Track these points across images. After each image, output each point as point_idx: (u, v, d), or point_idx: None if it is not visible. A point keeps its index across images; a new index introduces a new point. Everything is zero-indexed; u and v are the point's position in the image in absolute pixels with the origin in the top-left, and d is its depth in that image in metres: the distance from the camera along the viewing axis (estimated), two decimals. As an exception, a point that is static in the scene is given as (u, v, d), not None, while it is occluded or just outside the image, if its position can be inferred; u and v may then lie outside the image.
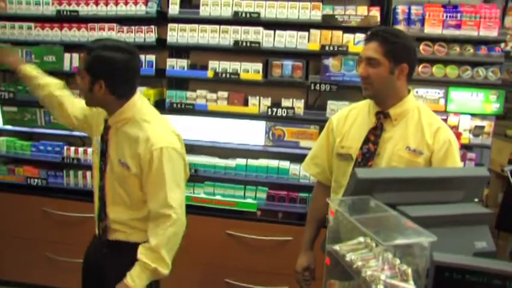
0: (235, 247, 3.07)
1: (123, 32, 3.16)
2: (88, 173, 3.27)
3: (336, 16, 2.91)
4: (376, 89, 1.78)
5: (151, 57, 3.15)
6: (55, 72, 3.28)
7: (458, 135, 2.76)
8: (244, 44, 2.99)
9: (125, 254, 1.82)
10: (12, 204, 3.35)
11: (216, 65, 3.07)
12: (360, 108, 1.95)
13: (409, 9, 2.85)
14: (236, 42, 3.00)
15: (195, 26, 3.04)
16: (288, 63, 3.00)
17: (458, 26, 2.81)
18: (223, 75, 3.05)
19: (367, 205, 1.25)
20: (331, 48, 2.92)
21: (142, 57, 3.06)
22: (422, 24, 2.83)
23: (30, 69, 2.09)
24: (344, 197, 1.43)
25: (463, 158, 2.81)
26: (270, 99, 3.06)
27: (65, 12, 3.20)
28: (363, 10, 2.90)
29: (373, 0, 3.03)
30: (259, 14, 2.96)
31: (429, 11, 2.82)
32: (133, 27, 3.14)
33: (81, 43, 3.19)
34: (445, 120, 2.79)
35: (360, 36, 2.87)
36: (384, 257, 1.05)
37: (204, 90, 3.14)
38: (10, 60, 2.13)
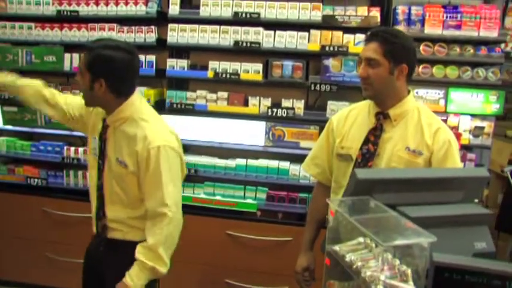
0: (235, 247, 3.07)
1: (123, 32, 3.16)
2: (88, 173, 3.27)
3: (336, 16, 2.91)
4: (376, 90, 1.78)
5: (152, 58, 3.15)
6: (55, 72, 3.33)
7: (458, 136, 2.76)
8: (244, 44, 2.99)
9: (122, 253, 1.84)
10: (12, 204, 3.35)
11: (216, 65, 3.07)
12: (360, 108, 1.96)
13: (409, 9, 2.85)
14: (236, 43, 3.00)
15: (195, 26, 3.05)
16: (288, 64, 3.00)
17: (458, 27, 2.81)
18: (224, 75, 3.05)
19: (367, 206, 1.25)
20: (332, 48, 2.92)
21: (142, 57, 3.06)
22: (423, 25, 2.83)
23: (3, 77, 2.03)
24: (344, 197, 1.43)
25: (463, 159, 2.81)
26: (270, 99, 3.06)
27: (65, 12, 3.20)
28: (363, 10, 2.90)
29: (373, 0, 3.03)
30: (259, 14, 2.96)
31: (429, 12, 2.82)
32: (133, 28, 3.14)
33: (81, 43, 3.19)
34: (445, 121, 2.79)
35: (360, 36, 2.87)
36: (384, 257, 1.05)
37: (204, 90, 3.14)
38: None
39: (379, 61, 1.74)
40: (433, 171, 1.64)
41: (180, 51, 3.23)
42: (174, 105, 3.11)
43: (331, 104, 2.97)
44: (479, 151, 3.11)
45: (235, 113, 3.08)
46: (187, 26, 3.05)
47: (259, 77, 3.02)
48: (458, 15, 2.80)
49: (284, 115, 3.00)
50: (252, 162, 3.11)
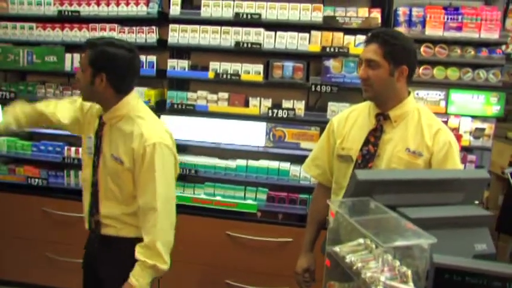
0: (236, 248, 3.07)
1: (124, 32, 3.16)
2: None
3: (337, 18, 2.91)
4: (376, 91, 1.78)
5: (152, 58, 3.15)
6: (56, 72, 3.33)
7: (458, 138, 2.75)
8: (245, 45, 2.99)
9: (115, 249, 1.87)
10: (13, 204, 3.35)
11: (217, 66, 3.07)
12: (361, 109, 1.96)
13: (410, 11, 2.85)
14: (237, 43, 3.00)
15: (196, 26, 3.05)
16: (289, 65, 3.00)
17: (459, 28, 2.81)
18: (224, 76, 3.05)
19: (367, 207, 1.25)
20: (332, 49, 2.92)
21: (143, 57, 3.06)
22: (423, 26, 2.83)
23: (7, 123, 2.04)
24: (344, 198, 1.43)
25: (464, 160, 2.81)
26: (270, 100, 3.06)
27: (66, 13, 3.21)
28: (363, 12, 2.90)
29: (374, 2, 3.03)
30: (260, 15, 2.96)
31: (430, 13, 2.82)
32: (134, 28, 3.15)
33: (82, 43, 3.18)
34: (446, 122, 2.78)
35: (361, 37, 2.87)
36: (384, 258, 1.05)
37: (205, 91, 3.14)
38: None
39: (379, 62, 1.74)
40: (433, 173, 1.64)
41: (181, 51, 3.23)
42: (175, 106, 3.11)
43: (331, 105, 2.97)
44: (480, 153, 3.11)
45: (235, 114, 3.08)
46: (188, 27, 3.05)
47: (259, 78, 3.02)
48: (459, 17, 2.81)
49: (285, 116, 3.00)
50: (252, 162, 3.11)
